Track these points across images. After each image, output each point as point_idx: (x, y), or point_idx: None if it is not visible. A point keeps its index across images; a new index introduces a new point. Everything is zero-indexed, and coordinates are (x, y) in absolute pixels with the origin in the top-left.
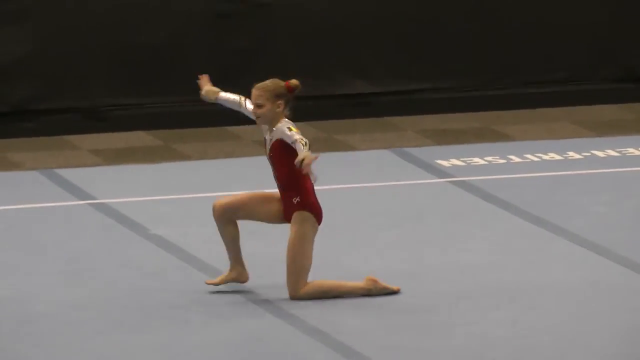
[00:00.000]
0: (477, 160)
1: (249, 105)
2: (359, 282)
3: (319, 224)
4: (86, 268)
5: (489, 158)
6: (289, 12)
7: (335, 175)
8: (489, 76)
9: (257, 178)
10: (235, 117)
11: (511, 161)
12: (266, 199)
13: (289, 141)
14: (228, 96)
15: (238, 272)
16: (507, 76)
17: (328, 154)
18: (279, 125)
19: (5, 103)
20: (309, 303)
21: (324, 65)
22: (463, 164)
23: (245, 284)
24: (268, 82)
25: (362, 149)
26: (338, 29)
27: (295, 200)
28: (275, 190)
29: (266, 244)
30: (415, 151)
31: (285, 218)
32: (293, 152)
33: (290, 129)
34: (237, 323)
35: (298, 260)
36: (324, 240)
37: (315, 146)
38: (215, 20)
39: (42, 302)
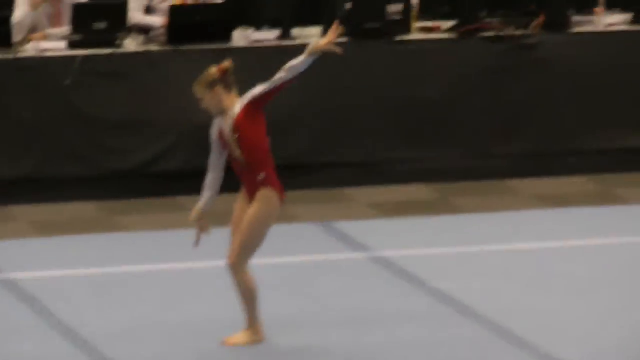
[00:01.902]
0: None
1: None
2: (259, 325)
3: (281, 204)
4: (366, 320)
5: None
6: (567, 67)
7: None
8: None
9: (536, 231)
10: (511, 170)
11: None
12: (238, 221)
13: (266, 89)
14: (207, 200)
15: (257, 330)
16: None
17: (605, 207)
18: (242, 99)
19: (281, 157)
20: None
21: (602, 120)
22: None
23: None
24: (203, 75)
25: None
26: (614, 83)
27: (260, 177)
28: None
29: None
30: None
31: (249, 197)
32: (259, 123)
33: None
34: None
35: (251, 235)
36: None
37: (591, 200)
38: (493, 74)
39: (320, 353)
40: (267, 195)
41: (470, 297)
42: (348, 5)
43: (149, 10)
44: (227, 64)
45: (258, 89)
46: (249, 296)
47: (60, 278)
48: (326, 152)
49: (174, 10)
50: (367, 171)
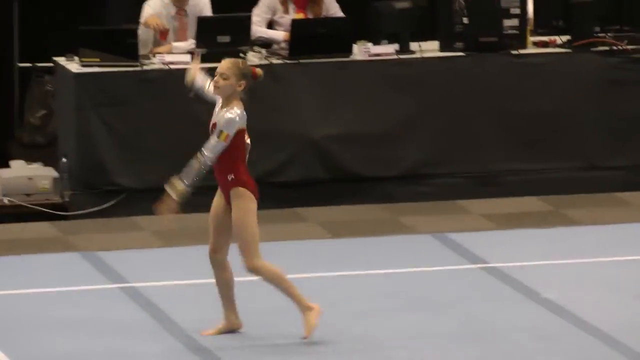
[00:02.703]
0: None
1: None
2: (307, 301)
3: (256, 198)
4: (480, 331)
5: None
6: None
7: None
8: None
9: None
10: (624, 182)
11: None
12: (215, 212)
13: (218, 127)
14: (199, 83)
15: (231, 321)
16: None
17: None
18: (231, 109)
19: (397, 167)
20: None
21: None
22: None
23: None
24: (239, 60)
25: None
26: None
27: (230, 177)
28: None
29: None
30: None
31: (225, 199)
32: (238, 134)
33: (220, 133)
34: None
35: (245, 232)
36: None
37: None
38: (606, 87)
39: None
40: (239, 194)
41: (582, 309)
42: (465, 20)
43: (271, 24)
44: (260, 71)
45: (219, 128)
46: (284, 284)
47: (182, 286)
48: (440, 164)
49: (296, 24)
50: (480, 182)
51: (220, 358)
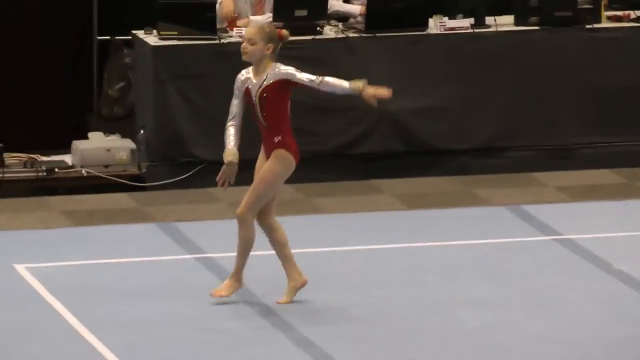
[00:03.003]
0: None
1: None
2: (299, 274)
3: (296, 163)
4: (552, 301)
5: None
6: None
7: None
8: None
9: None
10: None
11: None
12: (256, 174)
13: (303, 81)
14: (234, 138)
15: (295, 278)
16: None
17: None
18: (280, 68)
19: (472, 140)
20: None
21: None
22: None
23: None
24: (265, 23)
25: None
26: None
27: (277, 139)
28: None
29: None
30: None
31: (266, 155)
32: (285, 96)
33: (298, 71)
34: None
35: (260, 191)
36: None
37: None
38: None
39: (508, 333)
40: (281, 155)
41: None
42: None
43: None
44: (287, 32)
45: (297, 75)
46: (246, 249)
47: (260, 257)
48: (515, 137)
49: None
50: (555, 155)
51: (292, 323)
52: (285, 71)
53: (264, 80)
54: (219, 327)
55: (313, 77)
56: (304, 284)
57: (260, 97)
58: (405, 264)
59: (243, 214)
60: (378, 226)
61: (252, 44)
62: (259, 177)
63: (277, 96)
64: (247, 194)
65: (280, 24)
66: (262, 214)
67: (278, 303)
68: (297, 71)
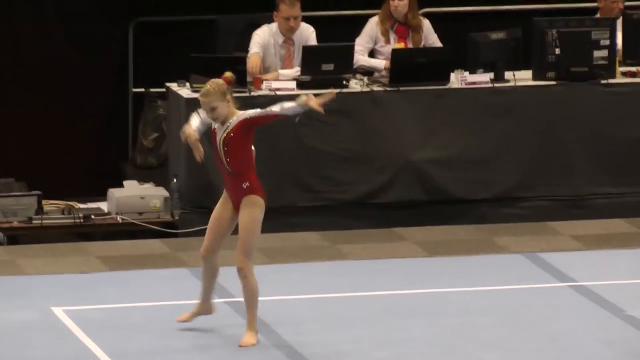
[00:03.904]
0: None
1: (203, 114)
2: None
3: (265, 205)
4: (566, 346)
5: None
6: None
7: None
8: None
9: None
10: None
11: None
12: (220, 217)
13: (261, 114)
14: (199, 125)
15: (205, 306)
16: None
17: None
18: (239, 113)
19: (491, 190)
20: None
21: None
22: None
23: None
24: (208, 86)
25: None
26: None
27: (245, 185)
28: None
29: None
30: None
31: (234, 204)
32: (249, 139)
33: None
34: None
35: (251, 240)
36: None
37: None
38: None
39: None
40: (254, 201)
41: None
42: (557, 50)
43: (372, 53)
44: (230, 74)
45: (253, 111)
46: (254, 298)
47: (285, 301)
48: (532, 187)
49: (397, 53)
50: (570, 205)
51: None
52: (242, 113)
53: (227, 126)
54: None
55: (270, 107)
56: (208, 313)
57: (225, 142)
58: (425, 309)
59: (243, 268)
60: (400, 272)
61: (215, 109)
62: (243, 227)
63: (240, 140)
64: (238, 247)
65: (307, 77)
66: (214, 249)
67: (179, 320)
68: (253, 110)
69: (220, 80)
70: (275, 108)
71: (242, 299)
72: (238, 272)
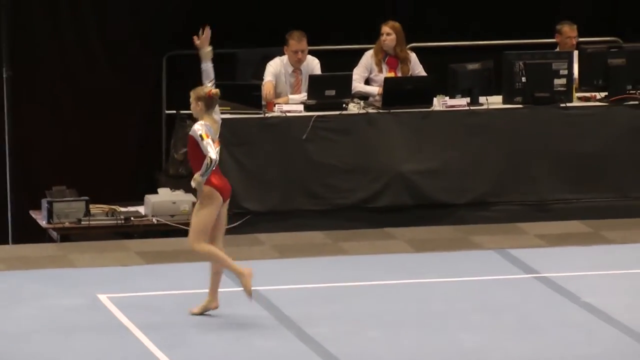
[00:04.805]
0: None
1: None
2: (240, 268)
3: (224, 198)
4: (532, 327)
5: None
6: None
7: None
8: None
9: None
10: None
11: None
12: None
13: (197, 139)
14: (208, 70)
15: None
16: None
17: None
18: (198, 123)
19: (468, 196)
20: None
21: None
22: None
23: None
24: (200, 87)
25: None
26: None
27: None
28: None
29: None
30: None
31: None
32: (198, 146)
33: (200, 136)
34: None
35: (195, 222)
36: None
37: None
38: (638, 134)
39: (498, 353)
40: (204, 192)
41: (616, 311)
42: (523, 79)
43: (368, 81)
44: (215, 91)
45: (197, 130)
46: (218, 258)
47: (296, 290)
48: (503, 194)
49: (388, 81)
50: (535, 209)
51: (329, 350)
52: (196, 126)
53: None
54: (259, 344)
55: (202, 144)
56: (214, 308)
57: (187, 144)
58: (414, 296)
59: (191, 245)
60: (391, 265)
61: (193, 105)
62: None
63: (192, 147)
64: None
65: (313, 101)
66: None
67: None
68: (198, 130)
69: (205, 89)
70: (207, 153)
71: (257, 288)
72: (192, 250)
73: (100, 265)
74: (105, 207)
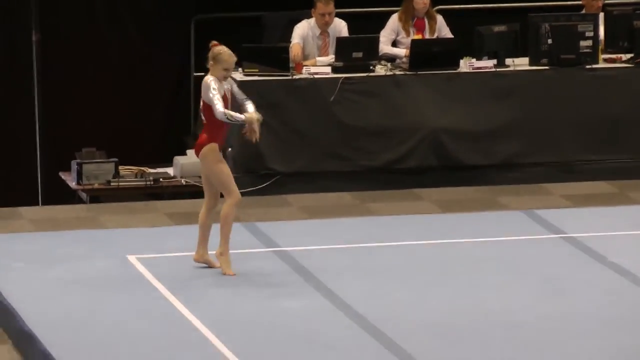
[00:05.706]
0: None
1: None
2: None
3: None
4: (558, 287)
5: None
6: None
7: None
8: None
9: None
10: None
11: None
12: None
13: (209, 101)
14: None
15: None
16: None
17: None
18: (208, 77)
19: (496, 157)
20: None
21: None
22: None
23: None
24: (215, 48)
25: None
26: None
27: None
28: None
29: None
30: None
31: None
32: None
33: (213, 89)
34: None
35: (220, 182)
36: None
37: None
38: None
39: (523, 313)
40: (205, 150)
41: None
42: (549, 41)
43: (395, 43)
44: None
45: (206, 95)
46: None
47: (324, 250)
48: (530, 155)
49: (415, 43)
50: (561, 170)
51: (356, 309)
52: (206, 82)
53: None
54: (287, 305)
55: (218, 103)
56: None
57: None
58: (441, 257)
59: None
60: (419, 226)
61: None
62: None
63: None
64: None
65: (340, 63)
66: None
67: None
68: (208, 93)
69: (222, 51)
70: (220, 107)
71: (285, 248)
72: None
73: (129, 226)
74: (135, 168)
